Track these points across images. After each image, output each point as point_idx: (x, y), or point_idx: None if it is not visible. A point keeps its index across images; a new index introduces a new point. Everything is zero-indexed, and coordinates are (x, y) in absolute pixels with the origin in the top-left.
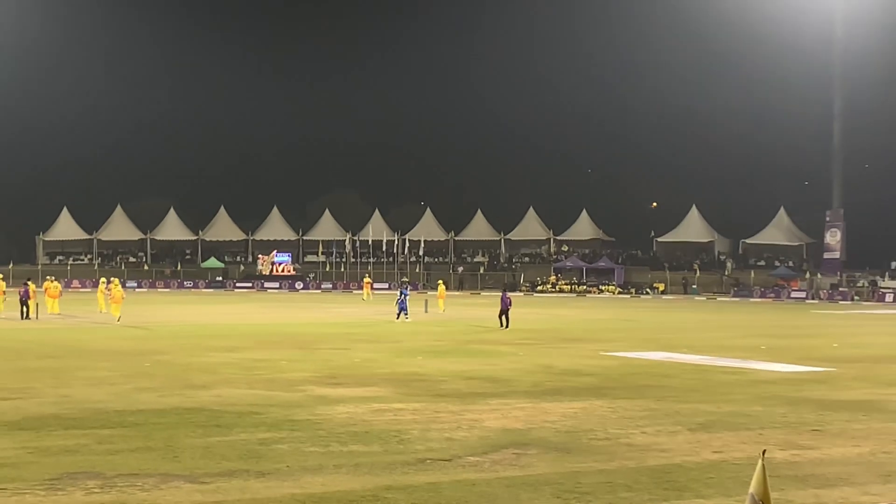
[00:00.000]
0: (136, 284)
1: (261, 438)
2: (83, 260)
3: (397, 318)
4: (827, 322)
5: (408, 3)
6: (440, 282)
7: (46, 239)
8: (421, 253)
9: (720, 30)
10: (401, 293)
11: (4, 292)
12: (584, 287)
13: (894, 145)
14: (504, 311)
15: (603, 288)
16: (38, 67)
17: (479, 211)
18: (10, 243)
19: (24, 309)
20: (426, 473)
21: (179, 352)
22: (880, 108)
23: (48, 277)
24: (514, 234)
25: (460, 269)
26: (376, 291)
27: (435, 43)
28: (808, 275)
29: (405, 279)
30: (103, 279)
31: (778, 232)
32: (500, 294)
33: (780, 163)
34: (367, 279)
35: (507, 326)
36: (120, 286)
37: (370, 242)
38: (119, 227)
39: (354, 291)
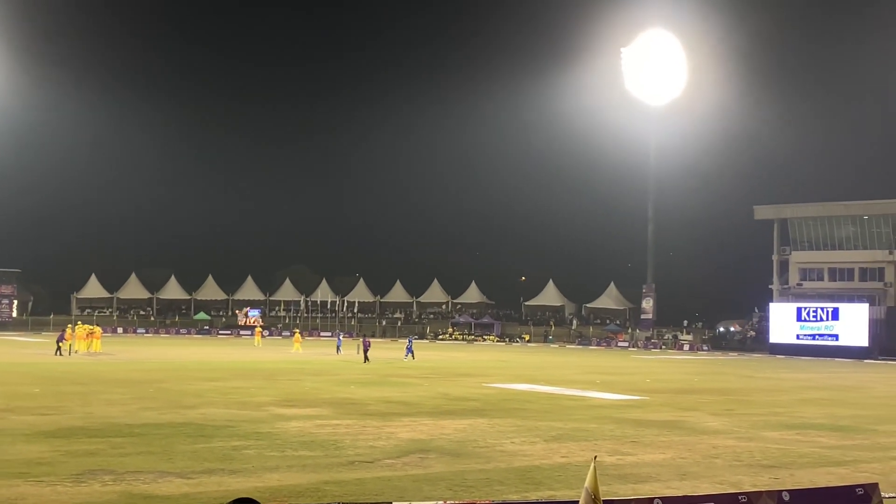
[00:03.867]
0: (144, 331)
1: (234, 445)
2: (106, 313)
3: (405, 357)
4: (643, 364)
5: (347, 138)
6: (296, 330)
7: (79, 297)
8: (355, 310)
9: (571, 158)
10: (409, 340)
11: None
12: (472, 337)
13: (690, 241)
14: (365, 351)
15: (486, 337)
16: (72, 167)
17: (397, 280)
18: (52, 300)
19: (59, 348)
20: (355, 472)
21: (175, 381)
22: (680, 214)
23: (79, 322)
24: (423, 298)
25: (384, 322)
26: (322, 338)
27: (367, 156)
28: (630, 330)
29: (414, 335)
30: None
31: (609, 299)
32: (362, 338)
33: (611, 250)
34: (258, 328)
35: (366, 361)
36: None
37: (318, 302)
38: (133, 289)
39: (306, 338)
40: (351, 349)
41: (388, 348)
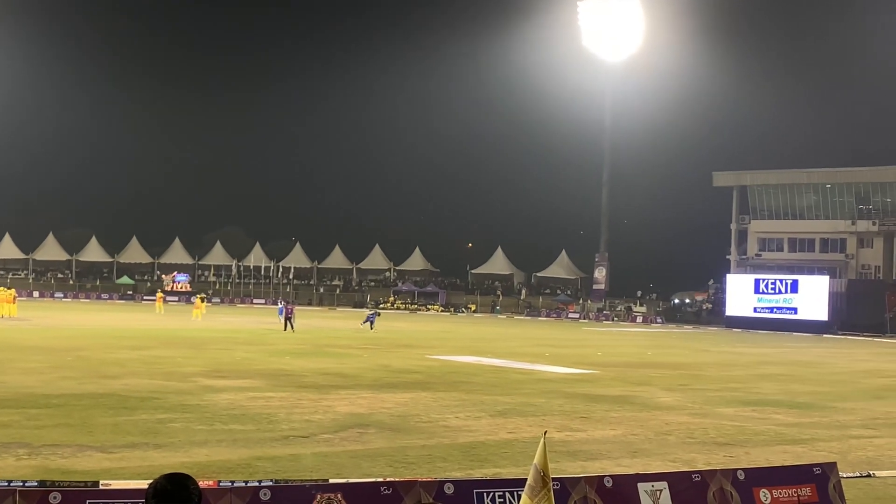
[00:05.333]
0: (63, 295)
1: (159, 418)
2: (21, 276)
3: (370, 328)
4: (594, 336)
5: (286, 86)
6: (200, 295)
7: None
8: (291, 277)
9: (523, 118)
10: (373, 312)
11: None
12: (416, 306)
13: (646, 208)
14: (287, 318)
15: (430, 307)
16: None
17: (336, 245)
18: None
19: None
20: (289, 447)
21: (96, 349)
22: (636, 179)
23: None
24: (364, 264)
25: (321, 289)
26: (255, 306)
27: (306, 112)
28: (581, 301)
29: (378, 306)
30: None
31: (560, 268)
32: (285, 305)
33: (563, 216)
34: (160, 294)
35: (292, 329)
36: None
37: (252, 268)
38: (51, 250)
39: (238, 305)
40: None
41: (328, 317)
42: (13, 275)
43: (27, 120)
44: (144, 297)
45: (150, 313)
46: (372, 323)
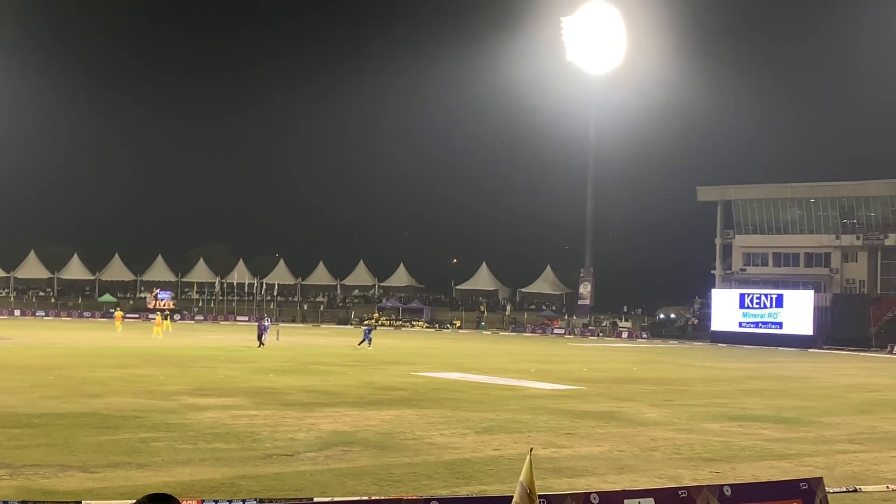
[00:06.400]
0: (44, 314)
1: (141, 437)
2: (2, 294)
3: (367, 345)
4: (579, 352)
5: (262, 106)
6: (159, 314)
7: None
8: (275, 293)
9: (507, 133)
10: (368, 329)
11: None
12: (400, 322)
13: (630, 223)
14: (260, 335)
15: (414, 323)
16: None
17: (321, 262)
18: None
19: None
20: (273, 465)
21: (77, 367)
22: (621, 194)
23: None
24: (348, 281)
25: (305, 306)
26: (239, 323)
27: (289, 128)
28: (566, 316)
29: (370, 322)
30: None
31: (545, 283)
32: (258, 322)
33: (548, 231)
34: (119, 312)
35: (261, 345)
36: None
37: (235, 284)
38: (32, 268)
39: (222, 322)
40: (270, 334)
41: (311, 334)
42: None
43: (6, 136)
44: (127, 316)
45: (112, 332)
46: (369, 340)
